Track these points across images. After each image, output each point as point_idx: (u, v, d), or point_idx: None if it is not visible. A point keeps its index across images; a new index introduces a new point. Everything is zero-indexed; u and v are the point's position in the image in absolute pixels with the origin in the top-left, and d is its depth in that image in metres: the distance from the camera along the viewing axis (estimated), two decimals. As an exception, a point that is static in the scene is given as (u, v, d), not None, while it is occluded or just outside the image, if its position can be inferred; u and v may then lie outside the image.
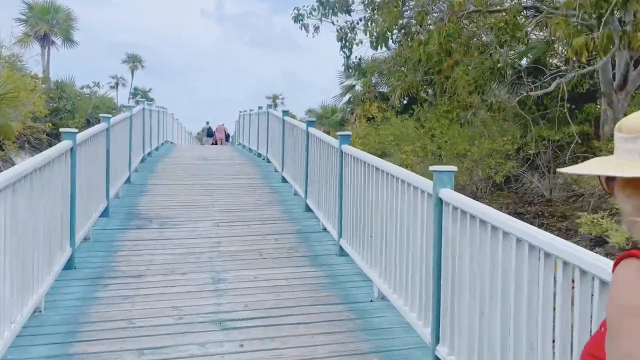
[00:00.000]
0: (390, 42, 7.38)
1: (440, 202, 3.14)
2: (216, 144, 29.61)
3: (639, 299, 0.85)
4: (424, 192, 3.39)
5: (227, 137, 28.04)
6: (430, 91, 12.75)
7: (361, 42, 8.31)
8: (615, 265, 0.94)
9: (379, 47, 7.97)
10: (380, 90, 15.38)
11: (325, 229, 6.07)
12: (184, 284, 4.47)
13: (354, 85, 16.18)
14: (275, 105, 48.12)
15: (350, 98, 16.39)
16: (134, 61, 36.35)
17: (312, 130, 6.83)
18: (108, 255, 5.14)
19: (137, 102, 10.60)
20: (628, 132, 0.95)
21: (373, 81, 15.66)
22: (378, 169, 4.23)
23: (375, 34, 7.31)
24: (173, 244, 5.52)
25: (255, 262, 5.06)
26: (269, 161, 10.93)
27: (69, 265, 4.65)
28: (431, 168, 3.25)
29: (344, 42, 8.18)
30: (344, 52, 8.47)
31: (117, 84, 34.76)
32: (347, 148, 5.12)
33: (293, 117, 11.07)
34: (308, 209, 6.92)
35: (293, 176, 8.02)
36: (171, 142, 18.85)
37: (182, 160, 11.63)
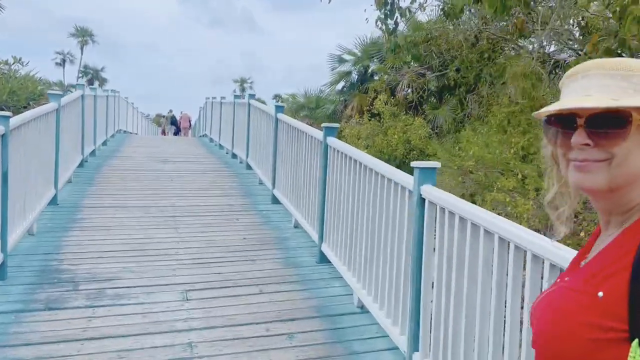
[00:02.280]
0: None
1: None
2: (179, 132, 27.52)
3: None
4: None
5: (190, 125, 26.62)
6: (434, 83, 10.48)
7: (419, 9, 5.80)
8: None
9: (461, 14, 5.51)
10: (378, 78, 13.01)
11: (362, 307, 3.75)
12: None
13: (349, 72, 13.73)
14: (243, 90, 44.95)
15: (343, 87, 13.93)
16: (83, 35, 32.39)
17: (335, 143, 4.44)
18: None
19: (75, 88, 7.97)
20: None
21: (372, 67, 13.25)
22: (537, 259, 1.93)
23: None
24: (107, 356, 3.07)
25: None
26: (249, 167, 8.50)
27: None
28: None
29: (388, 10, 5.73)
30: (385, 25, 5.98)
31: (63, 60, 30.97)
32: (435, 194, 2.78)
33: (262, 102, 8.70)
34: (324, 259, 4.59)
35: (295, 202, 5.63)
36: (125, 131, 16.23)
37: (135, 162, 9.03)
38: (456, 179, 6.12)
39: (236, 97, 10.36)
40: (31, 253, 4.49)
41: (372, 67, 13.28)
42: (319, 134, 4.83)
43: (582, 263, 0.91)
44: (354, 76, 13.49)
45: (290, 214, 5.83)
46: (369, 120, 10.63)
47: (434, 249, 2.82)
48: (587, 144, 0.84)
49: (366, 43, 13.18)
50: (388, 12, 5.49)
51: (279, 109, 6.55)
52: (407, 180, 3.00)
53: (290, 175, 5.84)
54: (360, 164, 3.80)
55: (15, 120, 4.20)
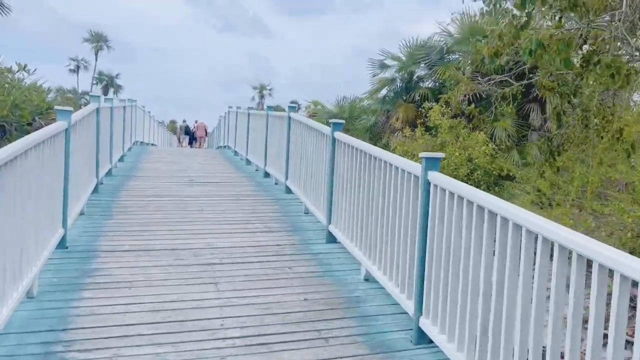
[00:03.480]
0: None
1: None
2: (194, 141, 26.93)
3: None
4: None
5: (206, 134, 26.31)
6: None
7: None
8: None
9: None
10: (426, 85, 11.73)
11: None
12: None
13: (393, 79, 12.43)
14: (262, 97, 43.90)
15: (385, 96, 12.64)
16: (98, 40, 31.43)
17: (446, 182, 3.22)
18: None
19: (89, 98, 6.87)
20: None
21: (418, 73, 11.97)
22: None
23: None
24: None
25: None
26: (289, 190, 7.33)
27: None
28: None
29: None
30: (521, 8, 4.43)
31: (77, 67, 30.07)
32: None
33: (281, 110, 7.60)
34: (425, 338, 3.36)
35: (366, 249, 4.39)
36: (141, 143, 15.31)
37: (157, 184, 7.88)
38: (613, 230, 4.64)
39: (269, 108, 9.20)
40: (28, 330, 3.31)
41: (419, 72, 12.00)
42: (412, 166, 3.61)
43: None
44: (398, 83, 12.21)
45: (355, 259, 4.63)
46: (423, 134, 9.37)
47: None
48: None
49: (412, 46, 11.93)
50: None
51: (336, 126, 5.35)
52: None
53: (358, 212, 4.62)
54: (515, 225, 2.56)
55: (6, 153, 3.03)
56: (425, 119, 9.60)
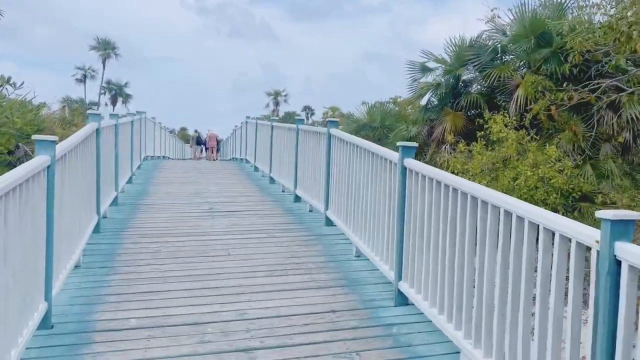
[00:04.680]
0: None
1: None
2: (205, 150, 26.14)
3: None
4: None
5: (217, 144, 25.58)
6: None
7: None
8: None
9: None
10: (476, 90, 10.36)
11: None
12: None
13: (438, 84, 11.04)
14: (277, 104, 42.46)
15: (427, 103, 11.26)
16: (105, 48, 30.28)
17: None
18: None
19: (87, 117, 5.68)
20: None
21: (465, 77, 10.65)
22: None
23: None
24: None
25: None
26: (329, 222, 6.07)
27: None
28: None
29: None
30: None
31: (84, 76, 28.98)
32: None
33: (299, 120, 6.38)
34: None
35: (478, 337, 3.09)
36: (152, 157, 14.23)
37: (170, 217, 6.65)
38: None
39: (299, 121, 7.93)
40: None
41: (466, 76, 10.66)
42: (575, 228, 2.30)
43: None
44: (444, 89, 10.80)
45: (445, 335, 3.34)
46: (482, 149, 8.00)
47: None
48: None
49: (459, 46, 10.56)
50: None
51: (407, 152, 4.04)
52: None
53: (451, 275, 3.31)
54: None
55: None
56: (485, 130, 8.25)
